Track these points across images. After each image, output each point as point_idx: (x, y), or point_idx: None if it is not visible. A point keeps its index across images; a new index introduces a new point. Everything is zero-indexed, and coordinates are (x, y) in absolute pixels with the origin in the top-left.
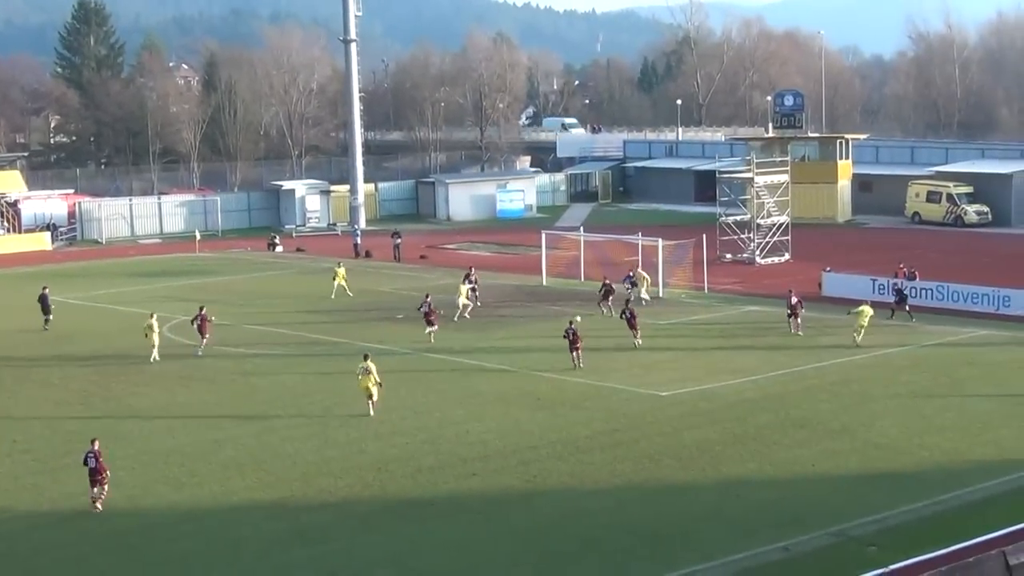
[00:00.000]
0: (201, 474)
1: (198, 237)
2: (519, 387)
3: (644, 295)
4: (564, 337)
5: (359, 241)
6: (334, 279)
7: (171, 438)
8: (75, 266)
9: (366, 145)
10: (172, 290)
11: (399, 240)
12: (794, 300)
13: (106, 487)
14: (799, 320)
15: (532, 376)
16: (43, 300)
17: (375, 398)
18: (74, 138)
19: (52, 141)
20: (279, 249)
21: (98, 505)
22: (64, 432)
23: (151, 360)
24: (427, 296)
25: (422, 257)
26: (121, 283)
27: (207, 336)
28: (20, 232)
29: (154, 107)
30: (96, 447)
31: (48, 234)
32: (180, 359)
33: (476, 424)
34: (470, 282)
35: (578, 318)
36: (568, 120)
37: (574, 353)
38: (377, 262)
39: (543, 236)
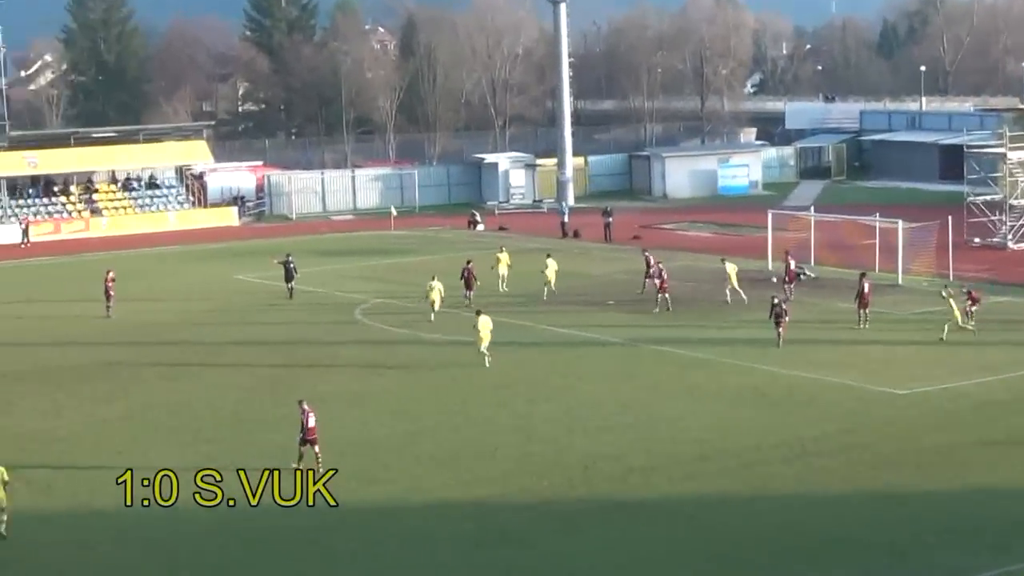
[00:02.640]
0: (394, 469)
1: (394, 214)
2: (740, 381)
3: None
4: (771, 319)
5: (567, 219)
6: (494, 266)
7: (364, 429)
8: (263, 243)
9: (575, 115)
10: (364, 270)
11: (610, 219)
12: None
13: (316, 449)
14: None
15: (755, 370)
16: (286, 268)
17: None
18: (263, 106)
19: (240, 109)
20: (480, 227)
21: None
22: (249, 421)
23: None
24: (659, 263)
25: (635, 238)
26: (311, 262)
27: (472, 291)
28: (206, 206)
29: (348, 73)
30: (306, 406)
31: (235, 209)
32: (375, 345)
33: (692, 421)
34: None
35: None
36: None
37: (779, 330)
38: (586, 243)
39: (769, 216)
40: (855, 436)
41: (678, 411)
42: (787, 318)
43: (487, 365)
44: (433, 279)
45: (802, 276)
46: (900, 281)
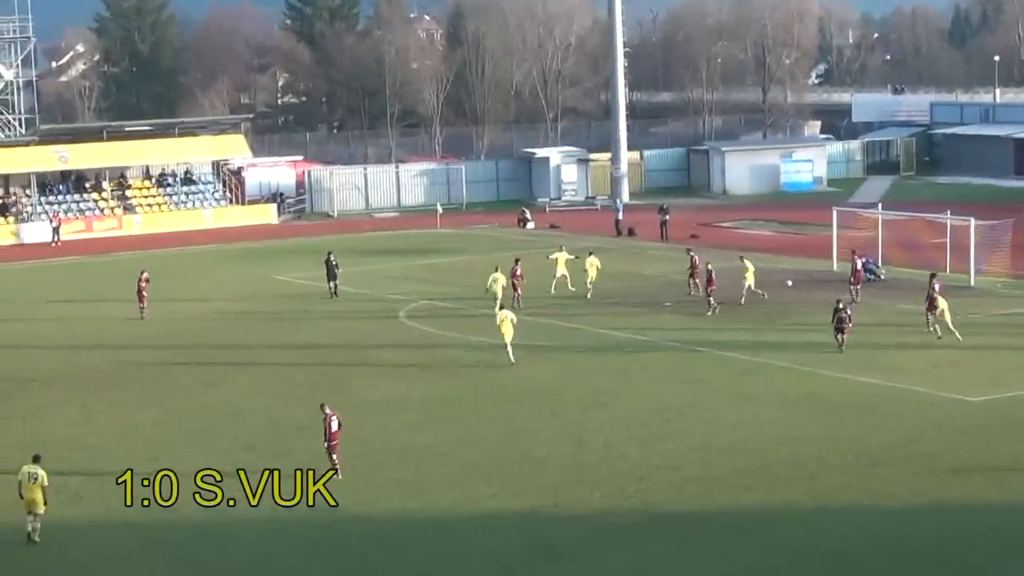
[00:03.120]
0: (440, 478)
1: (440, 211)
2: (803, 387)
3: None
4: (832, 323)
5: (621, 217)
6: (557, 265)
7: (407, 437)
8: (303, 242)
9: (631, 107)
10: (409, 270)
11: (667, 216)
12: None
13: (335, 456)
14: None
15: (817, 375)
16: (328, 266)
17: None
18: (303, 98)
19: (279, 102)
20: (530, 225)
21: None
22: (287, 427)
23: (587, 296)
24: (707, 263)
25: (693, 236)
26: (353, 261)
27: (519, 292)
28: (243, 203)
29: (392, 64)
30: (328, 410)
31: (274, 206)
32: (419, 348)
33: (753, 430)
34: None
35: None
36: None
37: (842, 336)
38: (641, 241)
39: (834, 213)
40: (924, 445)
41: (737, 418)
42: (851, 324)
43: (512, 362)
44: (496, 270)
45: (874, 278)
46: (972, 283)
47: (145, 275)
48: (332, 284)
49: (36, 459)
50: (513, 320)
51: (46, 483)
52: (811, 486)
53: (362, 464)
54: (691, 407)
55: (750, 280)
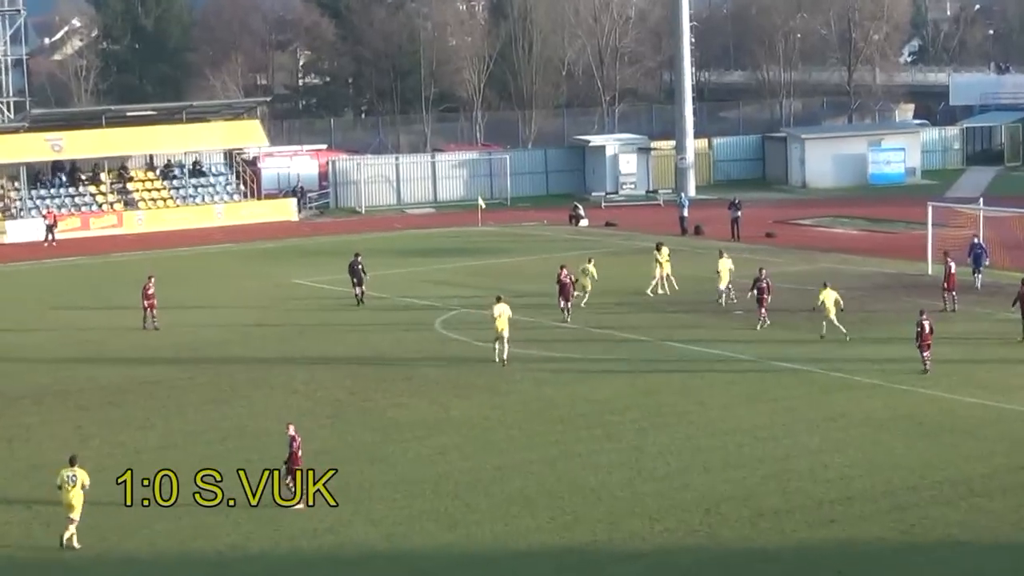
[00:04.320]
0: (480, 510)
1: (482, 206)
2: (893, 407)
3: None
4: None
5: (686, 214)
6: (658, 265)
7: (443, 463)
8: (326, 241)
9: (698, 89)
10: (446, 273)
11: (738, 213)
12: None
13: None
14: None
15: (911, 393)
16: (353, 270)
17: (505, 342)
18: (328, 79)
19: (301, 83)
20: (584, 223)
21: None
22: (308, 452)
23: (651, 293)
24: (760, 269)
25: (768, 235)
26: (383, 263)
27: (570, 301)
28: (259, 198)
29: (428, 40)
30: (292, 432)
31: (294, 201)
32: (458, 363)
33: (836, 456)
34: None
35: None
36: None
37: (924, 354)
38: (710, 241)
39: (929, 209)
40: None
41: (818, 442)
42: (930, 335)
43: (499, 362)
44: (589, 262)
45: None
46: None
47: (152, 280)
48: (359, 290)
49: (72, 461)
50: (509, 315)
51: (87, 484)
52: (902, 520)
53: (393, 494)
54: (765, 429)
55: (724, 280)
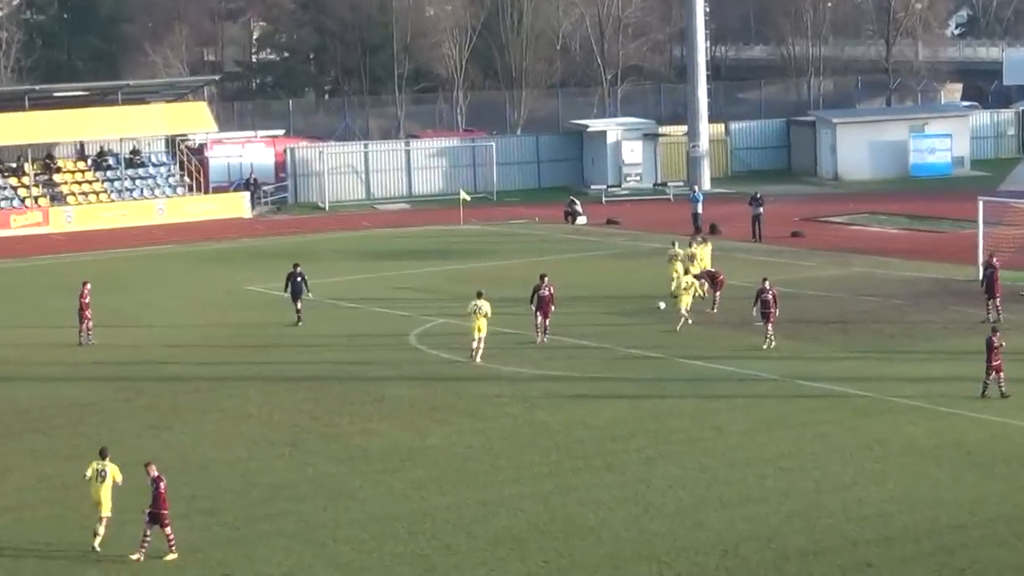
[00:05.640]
0: (462, 552)
1: (465, 199)
2: (938, 433)
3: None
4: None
5: (700, 210)
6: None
7: (419, 498)
8: (284, 243)
9: (713, 66)
10: (424, 279)
11: (760, 209)
12: None
13: (168, 531)
14: None
15: (957, 417)
16: (293, 283)
17: (480, 342)
18: (286, 55)
19: (254, 59)
20: (581, 220)
21: (139, 556)
22: (263, 486)
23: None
24: (764, 280)
25: (794, 235)
26: (350, 267)
27: (547, 318)
28: (207, 192)
29: (402, 10)
30: (155, 473)
31: (246, 195)
32: (436, 382)
33: (873, 489)
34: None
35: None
36: None
37: (991, 375)
38: (727, 241)
39: (980, 204)
40: None
41: (851, 474)
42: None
43: (475, 360)
44: (674, 245)
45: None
46: None
47: (87, 288)
48: (297, 307)
49: (103, 454)
50: (487, 314)
51: (119, 480)
52: (949, 564)
53: (361, 534)
54: (792, 458)
55: (675, 283)
